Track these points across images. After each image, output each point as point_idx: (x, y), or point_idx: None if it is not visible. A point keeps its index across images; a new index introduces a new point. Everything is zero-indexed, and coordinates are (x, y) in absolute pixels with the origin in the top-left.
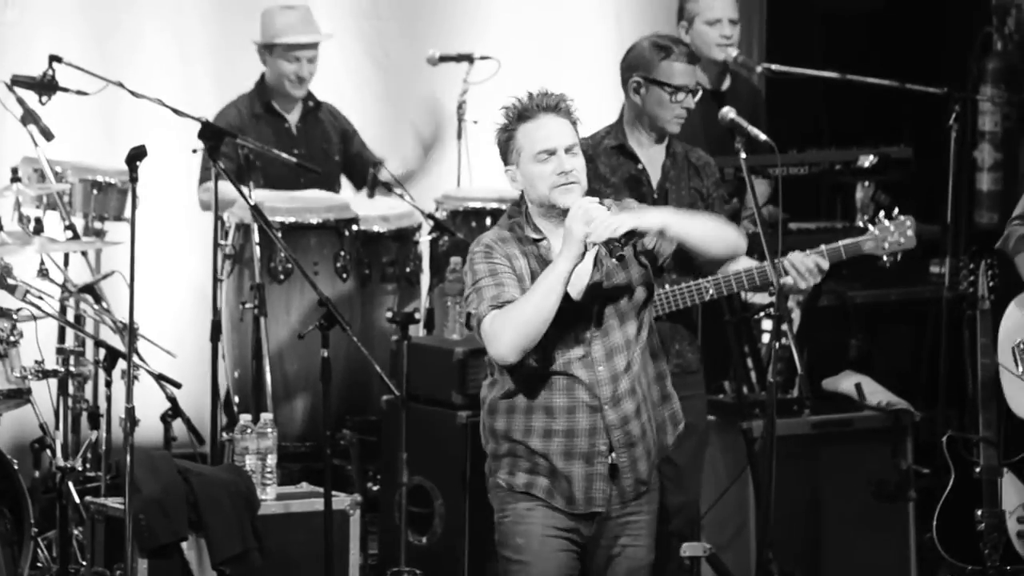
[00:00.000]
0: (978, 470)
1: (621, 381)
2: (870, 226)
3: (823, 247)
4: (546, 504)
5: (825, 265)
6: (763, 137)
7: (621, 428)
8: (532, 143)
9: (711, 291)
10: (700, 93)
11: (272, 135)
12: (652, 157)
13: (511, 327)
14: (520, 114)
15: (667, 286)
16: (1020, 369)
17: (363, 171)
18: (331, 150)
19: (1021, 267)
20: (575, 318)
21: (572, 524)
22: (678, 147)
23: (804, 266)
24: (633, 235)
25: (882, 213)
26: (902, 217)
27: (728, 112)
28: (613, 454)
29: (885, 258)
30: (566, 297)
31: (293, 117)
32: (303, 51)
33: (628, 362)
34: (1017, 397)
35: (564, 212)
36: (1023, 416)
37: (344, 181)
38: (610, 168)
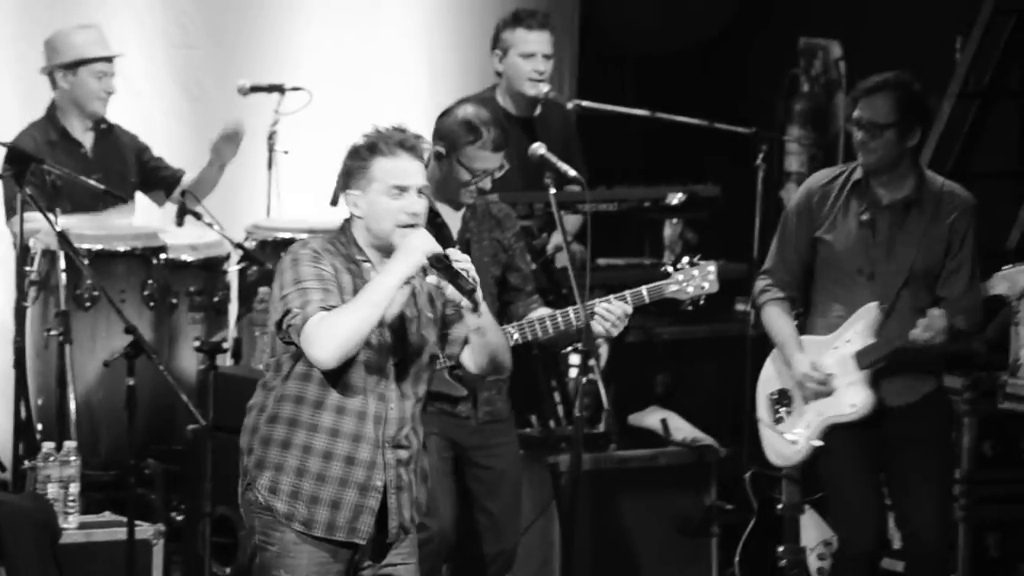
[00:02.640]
0: (780, 507)
1: (405, 426)
2: (671, 270)
3: (627, 293)
4: (310, 536)
5: (630, 311)
6: (572, 173)
7: (395, 470)
8: (387, 176)
9: (515, 336)
10: (502, 171)
11: (69, 161)
12: (452, 211)
13: (339, 332)
14: (378, 146)
15: None
16: (772, 419)
17: (162, 183)
18: (127, 172)
19: (764, 322)
20: (382, 351)
21: (338, 559)
22: (478, 200)
23: (613, 315)
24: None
25: (685, 259)
26: (704, 262)
27: (538, 148)
28: (388, 493)
29: (688, 302)
30: (380, 326)
31: (88, 141)
32: (107, 66)
33: (413, 413)
34: (773, 447)
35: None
36: (779, 464)
37: (147, 202)
38: None
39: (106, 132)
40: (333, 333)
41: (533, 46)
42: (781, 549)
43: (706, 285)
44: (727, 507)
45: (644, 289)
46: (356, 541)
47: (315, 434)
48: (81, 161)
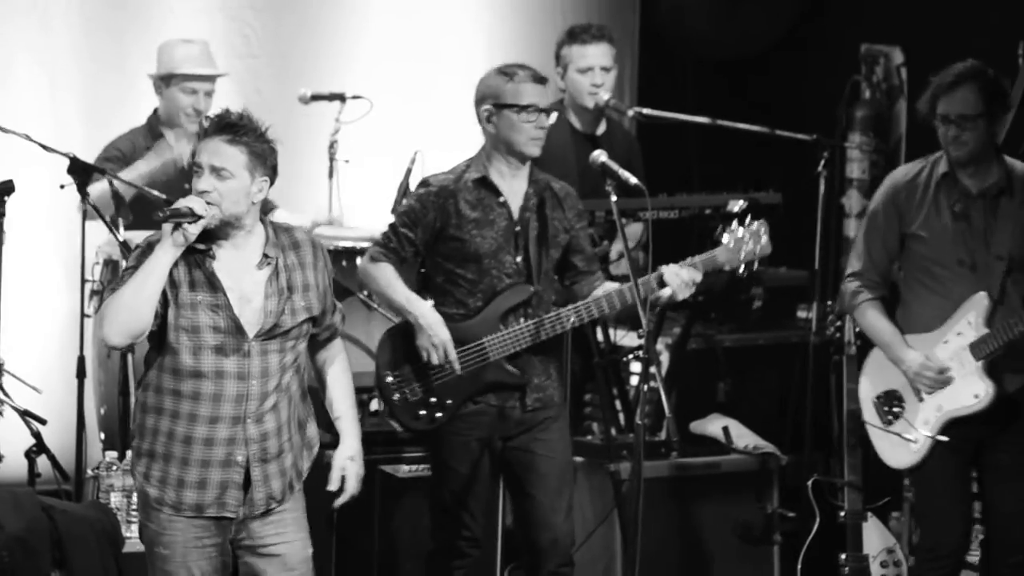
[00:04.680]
0: (843, 514)
1: (268, 399)
2: (723, 237)
3: (685, 261)
4: (182, 514)
5: (699, 278)
6: (634, 181)
7: (259, 444)
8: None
9: (572, 319)
10: (555, 114)
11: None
12: (514, 188)
13: (114, 308)
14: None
15: (522, 319)
16: (882, 422)
17: None
18: None
19: (859, 323)
20: (236, 332)
21: (214, 533)
22: (540, 176)
23: (680, 278)
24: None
25: (735, 221)
26: (755, 223)
27: (599, 155)
28: (251, 465)
29: (742, 269)
30: (238, 307)
31: (184, 152)
32: (200, 84)
33: (279, 383)
34: (887, 449)
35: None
36: (896, 466)
37: None
38: (471, 204)
39: None
40: (109, 310)
41: (590, 60)
42: (843, 557)
43: (758, 249)
44: (789, 515)
45: (698, 259)
46: (226, 515)
47: (176, 420)
48: (175, 170)
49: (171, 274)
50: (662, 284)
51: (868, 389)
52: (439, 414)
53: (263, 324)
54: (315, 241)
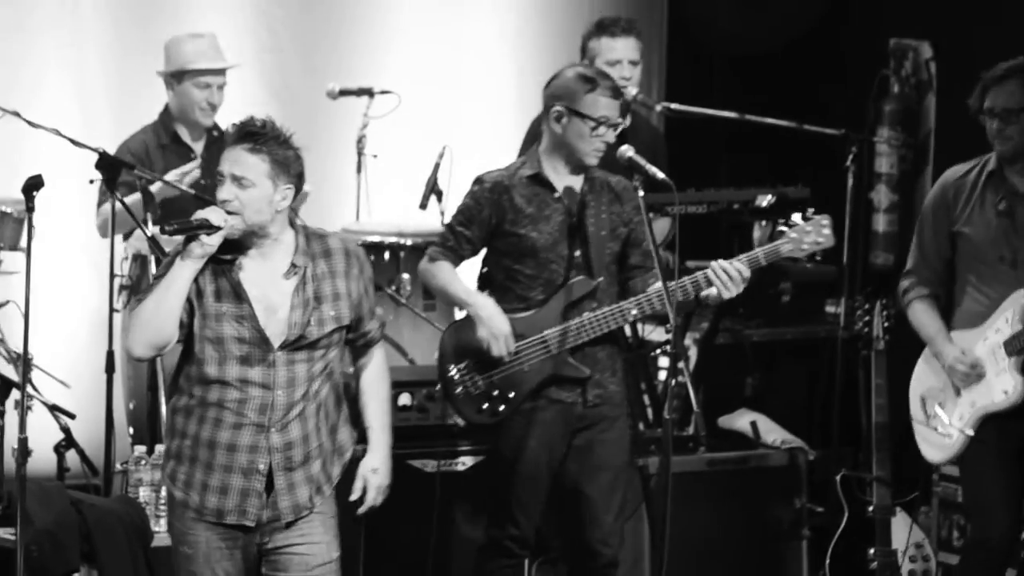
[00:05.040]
0: (871, 509)
1: (293, 408)
2: (785, 228)
3: (743, 256)
4: (204, 519)
5: (747, 273)
6: (661, 175)
7: (283, 452)
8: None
9: (633, 312)
10: (622, 127)
11: (179, 165)
12: (569, 183)
13: (137, 321)
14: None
15: (585, 313)
16: (925, 416)
17: None
18: None
19: (912, 319)
20: (261, 343)
21: (235, 540)
22: (597, 172)
23: (727, 274)
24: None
25: (797, 215)
26: (818, 216)
27: (627, 150)
28: (275, 474)
29: (804, 258)
30: (263, 318)
31: (199, 147)
32: (213, 78)
33: (307, 391)
34: (929, 443)
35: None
36: (934, 461)
37: None
38: (526, 198)
39: (217, 139)
40: (133, 322)
41: (618, 53)
42: (872, 552)
43: (821, 239)
44: (818, 509)
45: (760, 252)
46: (246, 523)
47: (202, 424)
48: None
49: (197, 283)
50: (710, 282)
51: (918, 384)
52: (502, 407)
53: (287, 335)
54: (350, 248)
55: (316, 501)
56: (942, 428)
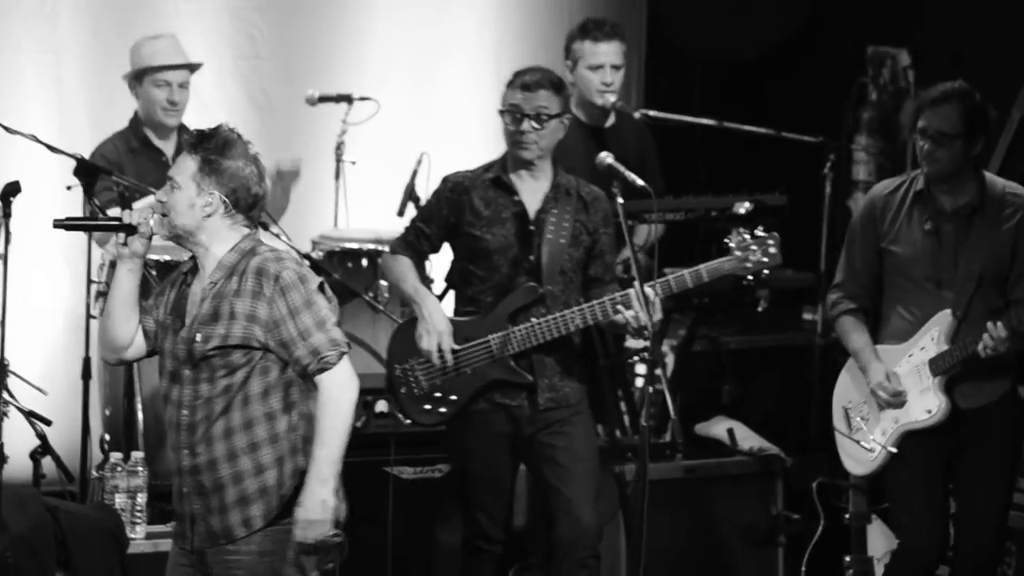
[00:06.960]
0: (847, 516)
1: (197, 430)
2: (732, 244)
3: (685, 272)
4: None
5: (652, 297)
6: (640, 182)
7: (192, 477)
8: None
9: (577, 321)
10: (548, 121)
11: (151, 169)
12: (532, 188)
13: (99, 327)
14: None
15: (532, 319)
16: (848, 428)
17: None
18: None
19: (840, 333)
20: (172, 357)
21: (189, 561)
22: (565, 179)
23: (633, 312)
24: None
25: (746, 233)
26: (765, 235)
27: (606, 157)
28: (191, 498)
29: (749, 277)
30: (173, 330)
31: (169, 150)
32: (172, 75)
33: (209, 413)
34: (850, 456)
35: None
36: (856, 473)
37: None
38: (484, 200)
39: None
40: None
41: (601, 57)
42: (848, 559)
43: (766, 259)
44: (794, 517)
45: (703, 268)
46: (185, 547)
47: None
48: (163, 169)
49: (164, 295)
50: (627, 305)
51: (841, 395)
52: (443, 409)
53: (176, 351)
54: (270, 270)
55: (236, 535)
56: (865, 442)
